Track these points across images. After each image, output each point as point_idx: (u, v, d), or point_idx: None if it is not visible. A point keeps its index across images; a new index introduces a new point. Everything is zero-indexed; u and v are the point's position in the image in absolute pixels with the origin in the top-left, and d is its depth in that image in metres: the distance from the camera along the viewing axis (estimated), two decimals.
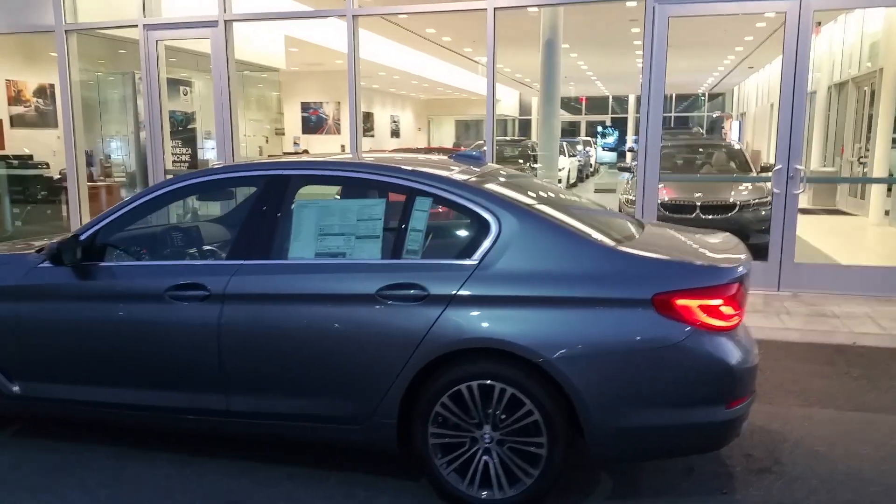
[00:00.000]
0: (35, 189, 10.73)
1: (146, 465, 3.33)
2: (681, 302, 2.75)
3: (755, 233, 7.66)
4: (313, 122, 19.32)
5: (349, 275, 3.03)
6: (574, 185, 19.75)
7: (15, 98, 11.63)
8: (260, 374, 3.09)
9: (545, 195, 3.53)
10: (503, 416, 2.87)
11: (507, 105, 31.07)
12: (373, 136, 23.95)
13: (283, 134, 20.54)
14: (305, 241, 3.14)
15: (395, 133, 26.71)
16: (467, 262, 2.93)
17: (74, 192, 8.43)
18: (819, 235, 9.74)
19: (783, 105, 6.32)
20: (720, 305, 2.79)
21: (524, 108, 33.20)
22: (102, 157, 12.01)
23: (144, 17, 7.80)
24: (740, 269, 2.88)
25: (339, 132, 19.34)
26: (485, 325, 2.83)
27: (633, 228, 3.42)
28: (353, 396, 3.00)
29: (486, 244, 2.93)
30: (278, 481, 3.18)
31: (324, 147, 18.54)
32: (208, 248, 3.64)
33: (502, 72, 22.36)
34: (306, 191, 3.36)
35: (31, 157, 11.01)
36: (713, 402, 2.80)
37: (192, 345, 3.13)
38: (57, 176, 10.47)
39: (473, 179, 3.19)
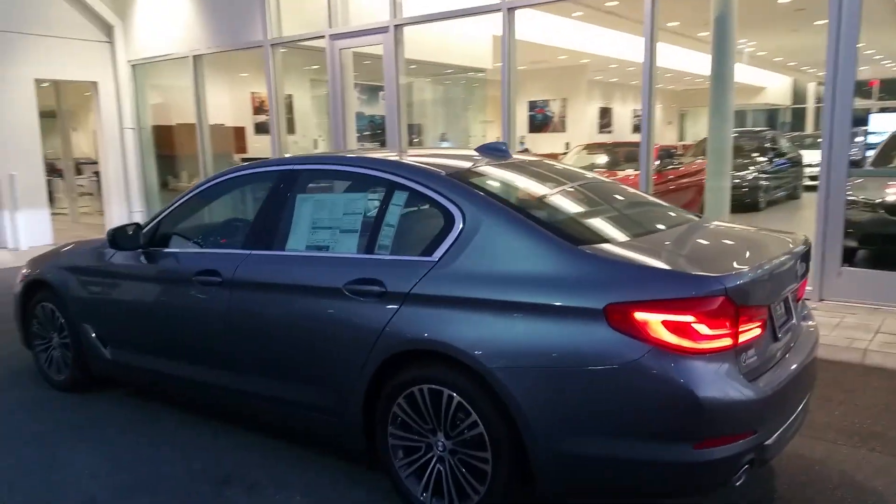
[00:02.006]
0: None
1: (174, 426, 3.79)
2: (640, 315, 2.39)
3: None
4: (539, 121, 19.48)
5: (326, 268, 3.14)
6: None
7: (258, 108, 13.70)
8: (259, 357, 3.34)
9: (563, 189, 3.27)
10: (453, 425, 2.75)
11: (775, 92, 28.11)
12: (610, 132, 23.37)
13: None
14: (301, 233, 3.32)
15: (638, 128, 25.75)
16: (427, 258, 2.86)
17: None
18: None
19: None
20: (692, 323, 2.37)
21: (798, 97, 29.72)
22: None
23: (329, 27, 8.65)
24: (729, 280, 2.41)
25: (564, 129, 19.26)
26: (432, 326, 2.75)
27: (667, 225, 3.08)
28: (329, 387, 3.10)
29: (449, 240, 2.83)
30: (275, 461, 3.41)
31: (548, 145, 18.63)
32: (241, 238, 3.97)
33: (754, 55, 20.32)
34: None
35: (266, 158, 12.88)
36: (676, 439, 2.39)
37: (210, 325, 3.49)
38: None
39: (456, 172, 3.09)
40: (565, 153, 13.30)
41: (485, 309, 2.65)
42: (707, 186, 7.31)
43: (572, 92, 19.66)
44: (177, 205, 3.90)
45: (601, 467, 2.51)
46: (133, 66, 11.24)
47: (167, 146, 11.70)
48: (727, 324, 2.41)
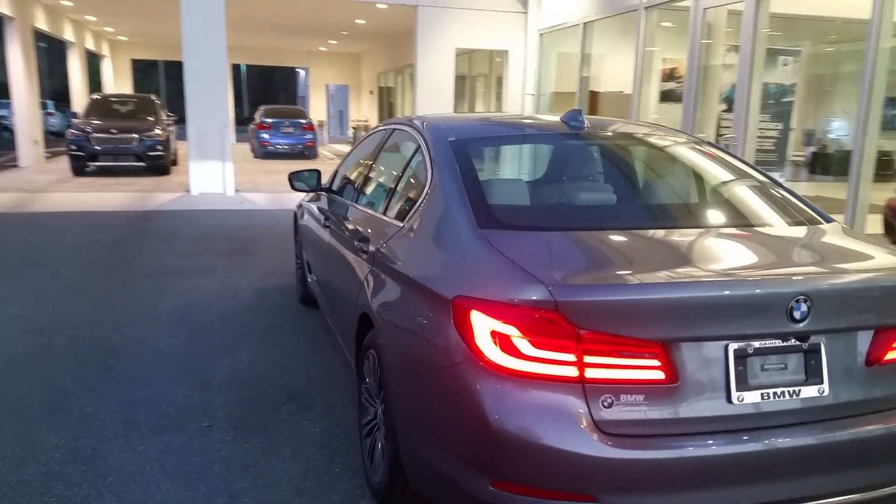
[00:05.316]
0: None
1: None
2: (475, 315, 2.05)
3: None
4: None
5: (359, 223, 3.34)
6: None
7: (668, 75, 13.27)
8: (334, 295, 3.74)
9: (594, 167, 2.79)
10: (380, 395, 2.75)
11: None
12: None
13: None
14: (370, 189, 3.56)
15: None
16: (400, 223, 2.84)
17: None
18: None
19: None
20: (514, 336, 1.94)
21: None
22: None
23: None
24: (562, 291, 1.88)
25: None
26: (374, 292, 2.76)
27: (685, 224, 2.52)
28: (346, 336, 3.34)
29: (418, 205, 2.77)
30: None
31: None
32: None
33: None
34: None
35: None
36: (474, 469, 2.01)
37: (326, 260, 4.01)
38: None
39: (463, 138, 2.91)
40: None
41: (399, 282, 2.57)
42: None
43: None
44: (347, 157, 4.50)
45: (434, 477, 2.26)
46: (541, 34, 12.16)
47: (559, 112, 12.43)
48: (565, 348, 1.90)
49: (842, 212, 6.10)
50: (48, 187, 12.06)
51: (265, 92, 47.83)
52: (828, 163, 11.97)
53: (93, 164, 13.87)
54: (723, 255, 2.34)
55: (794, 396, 2.02)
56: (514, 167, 2.97)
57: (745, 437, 1.96)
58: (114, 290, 5.89)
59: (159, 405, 3.67)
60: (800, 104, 11.92)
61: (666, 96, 12.77)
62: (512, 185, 2.92)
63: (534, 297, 1.91)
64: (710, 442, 1.94)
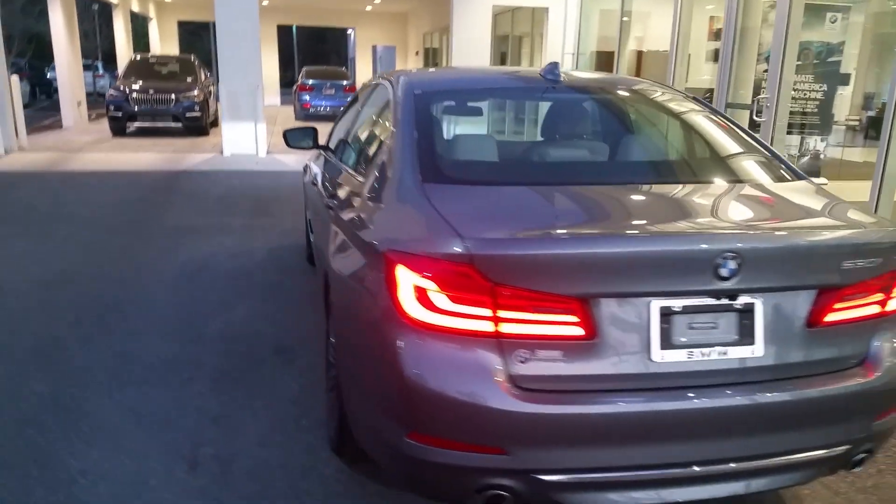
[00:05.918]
0: None
1: None
2: (400, 269, 2.08)
3: None
4: None
5: (331, 181, 3.37)
6: None
7: (715, 33, 12.78)
8: (317, 249, 3.81)
9: (564, 121, 2.77)
10: None
11: None
12: None
13: None
14: (350, 146, 3.57)
15: None
16: (360, 178, 2.87)
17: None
18: None
19: None
20: (430, 290, 1.96)
21: None
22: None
23: None
24: (477, 244, 1.89)
25: None
26: (331, 250, 2.81)
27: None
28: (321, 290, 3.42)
29: (375, 160, 2.79)
30: None
31: None
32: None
33: None
34: None
35: (710, 90, 12.10)
36: (391, 420, 2.06)
37: (316, 216, 4.05)
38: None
39: (430, 91, 2.90)
40: None
41: (347, 237, 2.61)
42: None
43: None
44: (342, 113, 4.53)
45: (364, 428, 2.32)
46: None
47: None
48: (480, 302, 1.91)
49: None
50: (85, 147, 12.48)
51: (316, 53, 48.00)
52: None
53: (132, 125, 14.26)
54: (658, 210, 2.30)
55: (723, 356, 1.99)
56: (486, 121, 2.96)
57: (664, 396, 1.94)
58: (129, 247, 6.09)
59: (147, 358, 3.82)
60: (859, 65, 11.39)
61: (715, 56, 12.38)
62: (470, 140, 2.90)
63: (450, 251, 1.92)
64: (627, 399, 1.93)
